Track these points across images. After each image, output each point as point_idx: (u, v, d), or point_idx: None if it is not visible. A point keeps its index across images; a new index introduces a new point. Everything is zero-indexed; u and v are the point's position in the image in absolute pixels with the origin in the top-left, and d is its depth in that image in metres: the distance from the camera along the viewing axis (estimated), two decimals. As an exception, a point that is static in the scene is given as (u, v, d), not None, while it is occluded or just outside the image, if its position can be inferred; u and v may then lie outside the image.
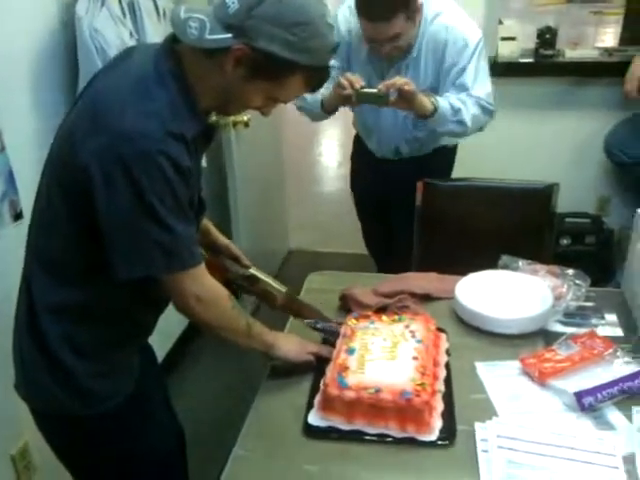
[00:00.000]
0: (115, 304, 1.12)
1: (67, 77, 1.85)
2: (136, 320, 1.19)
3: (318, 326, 1.37)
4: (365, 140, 2.20)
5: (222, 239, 1.43)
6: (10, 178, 1.61)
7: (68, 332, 1.11)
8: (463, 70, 1.86)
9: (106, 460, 1.20)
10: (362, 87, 1.74)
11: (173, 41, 1.05)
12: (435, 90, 1.90)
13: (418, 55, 1.90)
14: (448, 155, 2.20)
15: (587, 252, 2.86)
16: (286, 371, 1.28)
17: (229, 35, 0.99)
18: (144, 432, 1.22)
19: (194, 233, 1.10)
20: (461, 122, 1.85)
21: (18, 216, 1.65)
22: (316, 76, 1.08)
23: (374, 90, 1.73)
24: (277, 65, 1.01)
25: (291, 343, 1.29)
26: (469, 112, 1.85)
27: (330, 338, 1.36)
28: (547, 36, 2.69)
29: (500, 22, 2.84)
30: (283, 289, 1.38)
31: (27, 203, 1.64)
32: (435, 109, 1.80)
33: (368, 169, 2.24)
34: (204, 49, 1.01)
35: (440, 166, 2.19)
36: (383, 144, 2.12)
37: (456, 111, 1.83)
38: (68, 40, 1.83)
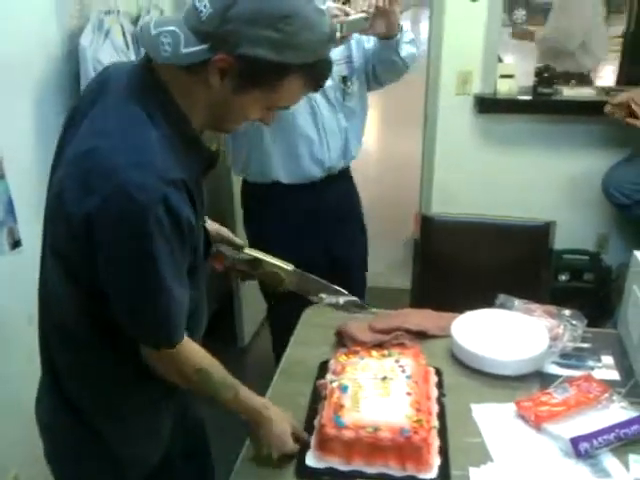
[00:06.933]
0: (133, 366, 1.01)
1: (69, 107, 1.85)
2: (158, 382, 1.04)
3: (341, 303, 1.27)
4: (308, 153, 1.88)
5: (210, 224, 1.24)
6: (9, 206, 1.61)
7: (92, 394, 1.04)
8: None
9: None
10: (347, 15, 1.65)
11: (148, 60, 0.93)
12: None
13: None
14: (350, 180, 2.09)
15: (585, 289, 2.86)
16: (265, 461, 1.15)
17: (205, 46, 0.87)
18: None
19: (187, 304, 0.98)
20: (413, 41, 1.87)
21: (16, 244, 1.65)
22: (315, 73, 0.94)
23: (362, 15, 1.66)
24: (267, 70, 0.89)
25: (281, 422, 1.15)
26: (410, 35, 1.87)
27: (356, 310, 1.29)
28: (545, 74, 2.72)
29: (500, 60, 2.89)
30: (290, 267, 1.27)
31: (26, 232, 1.65)
32: (400, 27, 1.80)
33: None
34: (182, 65, 0.89)
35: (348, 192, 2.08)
36: (332, 146, 1.91)
37: (404, 32, 1.83)
38: (71, 70, 1.84)
